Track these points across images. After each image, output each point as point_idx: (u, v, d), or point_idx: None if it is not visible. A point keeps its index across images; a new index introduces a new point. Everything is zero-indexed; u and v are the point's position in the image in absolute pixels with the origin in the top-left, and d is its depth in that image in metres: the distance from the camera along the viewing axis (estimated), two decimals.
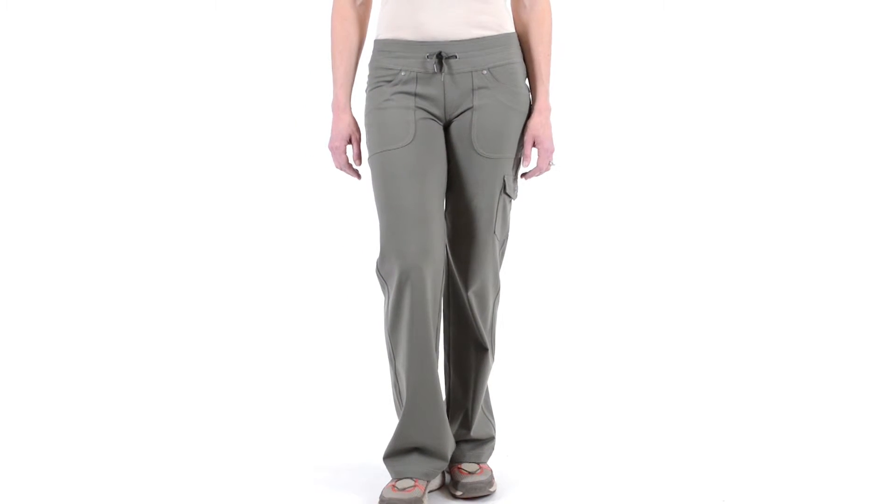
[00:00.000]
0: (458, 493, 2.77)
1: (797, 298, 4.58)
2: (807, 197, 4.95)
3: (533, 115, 2.82)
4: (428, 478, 2.72)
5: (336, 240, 4.66)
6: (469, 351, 2.84)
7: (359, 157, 2.81)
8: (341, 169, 2.83)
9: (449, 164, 2.77)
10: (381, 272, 2.71)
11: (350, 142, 2.81)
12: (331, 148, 2.81)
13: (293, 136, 4.76)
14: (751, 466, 3.00)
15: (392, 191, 2.69)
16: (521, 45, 2.84)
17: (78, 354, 4.07)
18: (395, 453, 2.75)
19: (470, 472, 2.78)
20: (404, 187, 2.68)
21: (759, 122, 4.99)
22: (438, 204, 2.72)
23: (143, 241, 4.83)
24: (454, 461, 2.83)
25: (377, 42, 2.81)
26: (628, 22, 5.02)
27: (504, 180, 2.78)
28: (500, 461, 2.97)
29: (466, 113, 2.75)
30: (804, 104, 4.98)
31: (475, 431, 2.86)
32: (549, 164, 2.84)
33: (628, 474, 2.95)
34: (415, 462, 2.72)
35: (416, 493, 2.68)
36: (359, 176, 2.83)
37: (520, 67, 2.80)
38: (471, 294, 2.80)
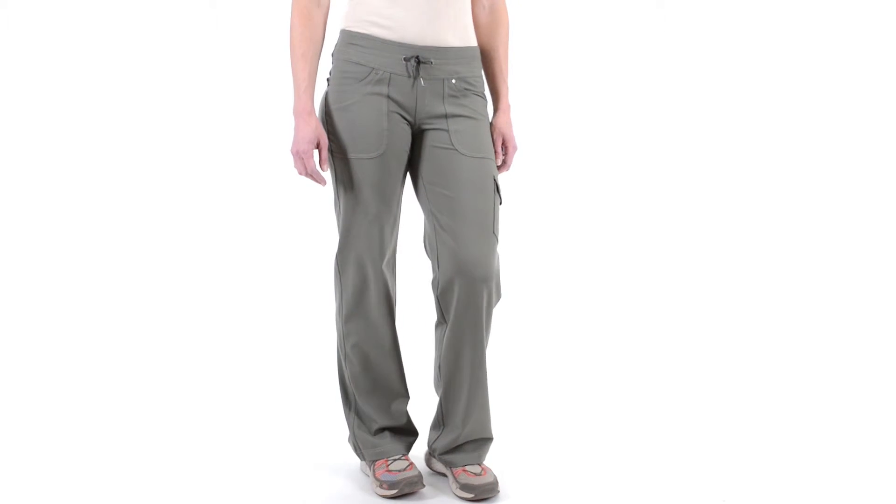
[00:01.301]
0: (469, 496, 2.76)
1: (797, 298, 4.58)
2: (801, 194, 4.95)
3: (499, 114, 2.88)
4: (407, 453, 2.87)
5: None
6: (466, 353, 2.82)
7: (326, 163, 2.74)
8: (308, 174, 2.73)
9: (437, 173, 2.75)
10: (340, 265, 2.80)
11: (317, 146, 2.72)
12: (297, 153, 2.71)
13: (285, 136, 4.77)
14: (751, 466, 3.00)
15: (358, 197, 2.73)
16: (479, 46, 2.87)
17: (74, 353, 4.07)
18: (369, 435, 2.85)
19: (475, 474, 2.79)
20: (370, 195, 2.73)
21: (753, 118, 5.00)
22: (398, 207, 2.80)
23: (140, 242, 4.84)
24: (454, 465, 2.83)
25: (348, 33, 2.76)
26: (624, 20, 5.02)
27: (495, 180, 2.78)
28: (500, 461, 2.97)
29: (440, 121, 2.75)
30: (799, 102, 4.98)
31: (478, 432, 2.86)
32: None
33: (628, 474, 2.95)
34: (393, 440, 2.85)
35: (416, 469, 2.80)
36: (324, 182, 2.76)
37: (481, 80, 2.84)
38: (485, 295, 2.75)
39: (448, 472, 2.85)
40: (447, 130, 2.75)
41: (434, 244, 2.76)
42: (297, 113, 2.72)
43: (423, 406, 3.10)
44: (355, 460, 3.01)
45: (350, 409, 2.89)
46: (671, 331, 4.31)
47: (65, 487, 2.86)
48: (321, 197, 4.70)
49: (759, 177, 4.96)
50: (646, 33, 5.00)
